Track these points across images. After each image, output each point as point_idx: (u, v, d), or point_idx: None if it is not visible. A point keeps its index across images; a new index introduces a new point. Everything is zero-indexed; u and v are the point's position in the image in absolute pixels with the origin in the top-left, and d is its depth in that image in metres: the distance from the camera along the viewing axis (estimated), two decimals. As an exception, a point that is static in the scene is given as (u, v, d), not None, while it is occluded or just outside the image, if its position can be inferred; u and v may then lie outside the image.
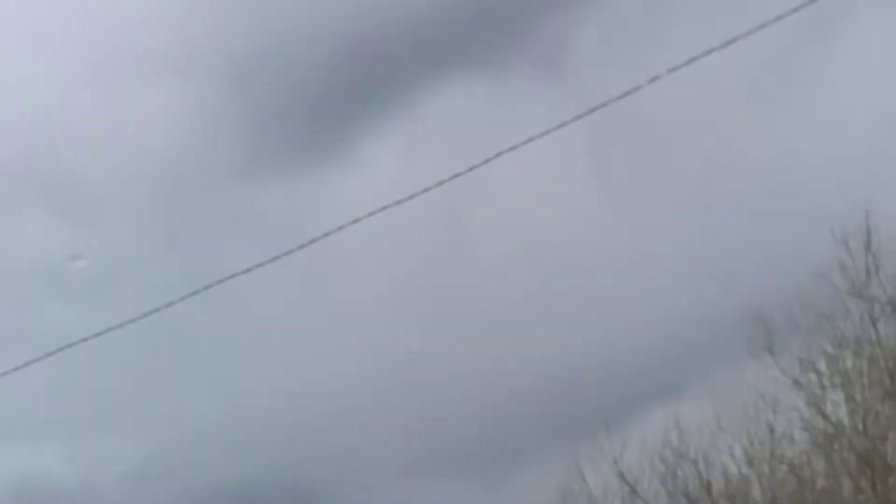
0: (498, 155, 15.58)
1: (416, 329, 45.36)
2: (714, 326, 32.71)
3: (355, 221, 16.55)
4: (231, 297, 49.31)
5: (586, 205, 45.64)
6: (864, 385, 28.45)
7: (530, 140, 15.34)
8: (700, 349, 33.87)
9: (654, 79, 14.44)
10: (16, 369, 18.09)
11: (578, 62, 48.08)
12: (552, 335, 41.75)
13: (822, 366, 28.76)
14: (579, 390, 38.33)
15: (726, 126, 41.80)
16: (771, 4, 11.70)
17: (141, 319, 17.91)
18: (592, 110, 14.97)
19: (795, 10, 11.55)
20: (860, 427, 28.41)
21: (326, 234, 16.94)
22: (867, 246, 27.35)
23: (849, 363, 28.49)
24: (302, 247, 16.90)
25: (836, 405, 28.88)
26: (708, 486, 30.99)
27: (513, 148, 15.43)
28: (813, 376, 28.87)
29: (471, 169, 15.43)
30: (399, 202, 15.94)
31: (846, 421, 28.93)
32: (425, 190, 15.71)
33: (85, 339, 18.54)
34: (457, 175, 15.63)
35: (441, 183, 15.64)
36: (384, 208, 16.04)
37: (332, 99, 51.28)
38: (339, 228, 16.74)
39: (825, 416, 28.89)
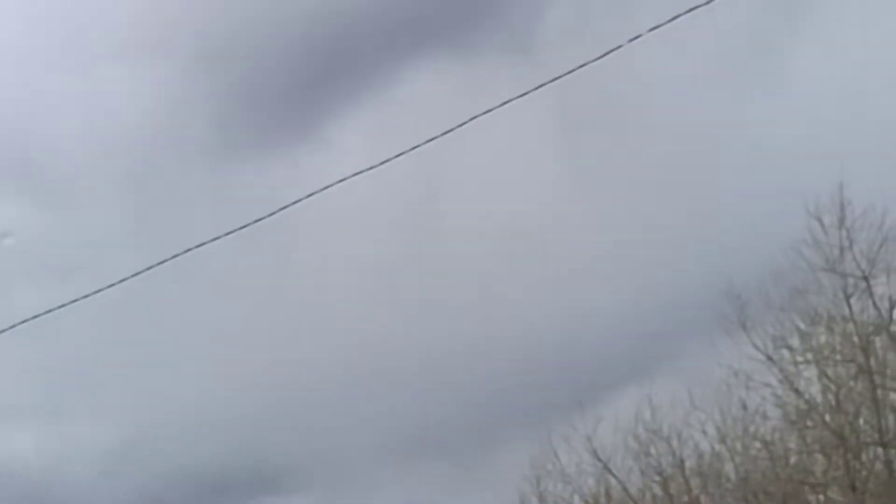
0: (474, 118, 15.30)
1: (387, 310, 45.27)
2: (687, 303, 32.70)
3: (326, 188, 16.26)
4: (202, 281, 49.30)
5: (557, 185, 45.62)
6: (836, 361, 28.41)
7: (506, 103, 15.05)
8: (673, 326, 33.86)
9: (619, 47, 14.28)
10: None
11: (548, 43, 47.96)
12: (524, 315, 41.71)
13: (795, 342, 28.71)
14: (552, 370, 38.29)
15: (697, 106, 41.83)
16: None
17: (105, 290, 17.51)
18: (562, 76, 14.72)
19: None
20: (833, 403, 28.38)
21: (296, 202, 16.61)
22: (841, 221, 27.23)
23: (822, 339, 28.44)
24: (271, 214, 16.62)
25: (810, 382, 28.84)
26: (681, 464, 30.98)
27: (488, 111, 15.13)
28: (786, 352, 28.81)
29: (446, 132, 15.14)
30: (373, 167, 15.66)
31: (819, 397, 28.91)
32: (399, 155, 15.40)
33: (50, 311, 18.14)
34: (432, 139, 15.34)
35: (416, 147, 15.35)
36: (358, 173, 15.74)
37: (302, 80, 51.07)
38: (310, 195, 16.44)
39: (798, 393, 28.84)
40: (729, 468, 30.52)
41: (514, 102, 15.54)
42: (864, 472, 28.03)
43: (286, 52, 48.47)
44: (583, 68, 14.79)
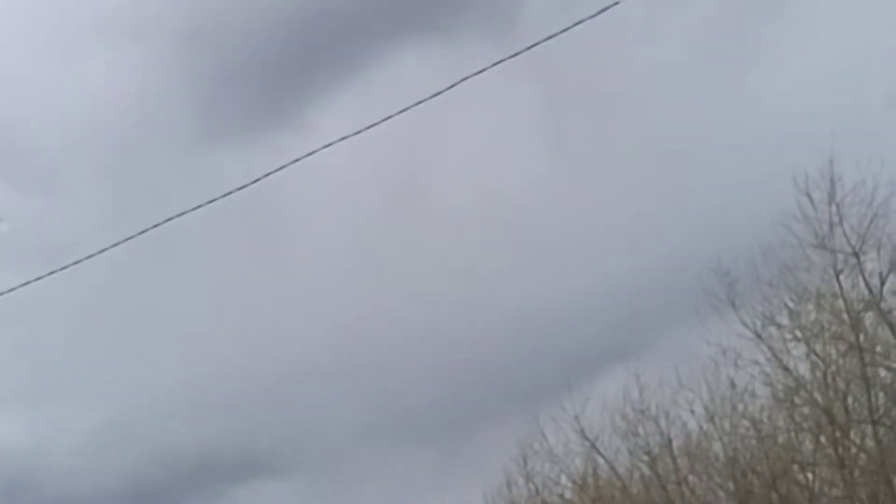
0: (453, 86, 15.00)
1: (372, 293, 45.16)
2: (675, 281, 32.45)
3: (302, 157, 15.94)
4: (186, 265, 49.07)
5: (543, 167, 45.51)
6: (826, 338, 28.13)
7: (484, 70, 14.76)
8: (661, 305, 33.64)
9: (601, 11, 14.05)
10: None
11: (531, 25, 47.72)
12: (510, 297, 41.57)
13: (784, 319, 28.42)
14: (539, 351, 38.12)
15: (682, 87, 41.73)
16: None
17: (85, 262, 17.26)
18: (541, 41, 14.42)
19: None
20: (822, 381, 28.12)
21: (269, 173, 16.28)
22: (830, 196, 26.88)
23: (811, 316, 28.15)
24: (243, 187, 16.37)
25: (799, 359, 28.58)
26: (669, 443, 30.73)
27: (468, 77, 14.83)
28: (775, 330, 28.53)
29: (434, 95, 14.80)
30: (358, 132, 15.31)
31: (808, 375, 28.65)
32: (386, 119, 15.04)
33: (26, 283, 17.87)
34: (417, 103, 14.99)
35: (402, 111, 14.98)
36: (343, 138, 15.41)
37: (284, 64, 50.82)
38: (296, 161, 16.11)
39: (787, 371, 28.58)
40: (717, 447, 30.27)
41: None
42: (853, 451, 27.81)
43: (268, 36, 48.28)
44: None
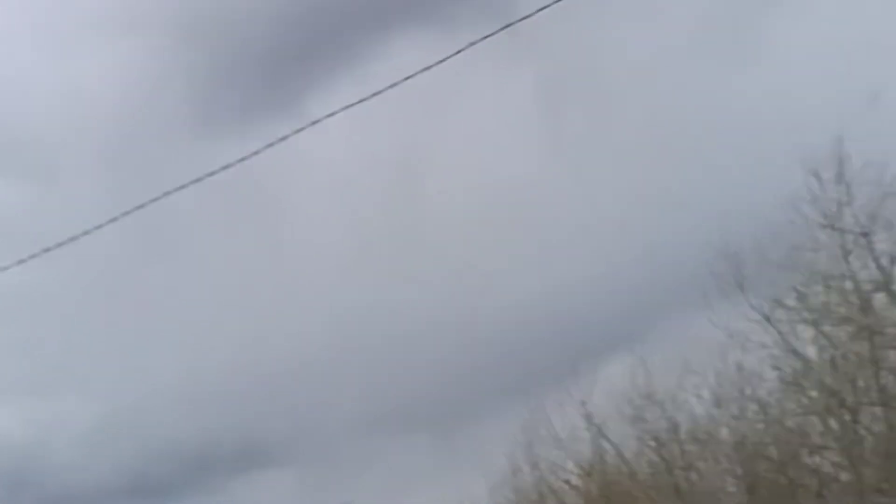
0: (441, 61, 14.68)
1: (371, 284, 44.94)
2: (682, 265, 32.10)
3: (285, 138, 15.60)
4: (186, 258, 48.80)
5: (542, 156, 45.29)
6: (835, 320, 27.84)
7: (473, 44, 14.44)
8: (667, 289, 33.32)
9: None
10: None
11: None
12: (512, 285, 41.32)
13: (793, 301, 28.12)
14: (544, 338, 37.82)
15: (681, 74, 41.51)
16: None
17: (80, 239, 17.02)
18: (531, 15, 14.12)
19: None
20: (831, 364, 27.84)
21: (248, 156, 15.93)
22: (839, 176, 26.56)
23: (820, 298, 27.85)
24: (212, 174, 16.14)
25: (807, 342, 28.29)
26: (676, 428, 30.46)
27: (458, 52, 14.50)
28: (783, 312, 28.22)
29: (433, 66, 14.49)
30: (363, 100, 15.00)
31: (816, 358, 28.37)
32: (376, 94, 14.72)
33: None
34: (406, 78, 14.65)
35: (394, 85, 14.64)
36: (331, 114, 15.06)
37: (282, 55, 50.52)
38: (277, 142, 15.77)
39: (796, 353, 28.28)
40: (725, 432, 30.00)
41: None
42: (863, 434, 27.53)
43: (266, 26, 48.00)
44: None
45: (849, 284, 27.17)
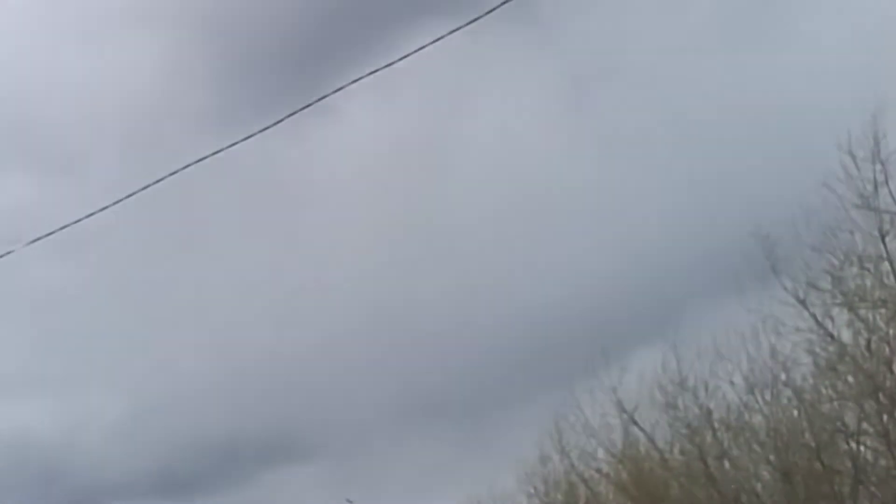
0: (439, 39, 14.21)
1: (397, 275, 44.71)
2: (714, 250, 31.62)
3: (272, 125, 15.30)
4: (210, 251, 48.65)
5: (569, 146, 44.85)
6: (870, 304, 27.28)
7: (475, 20, 14.01)
8: (699, 275, 32.85)
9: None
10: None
11: (552, 7, 47.20)
12: (540, 277, 40.97)
13: (827, 284, 27.57)
14: (572, 329, 37.44)
15: (710, 55, 41.09)
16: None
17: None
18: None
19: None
20: (866, 348, 27.29)
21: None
22: (875, 154, 25.95)
23: (855, 281, 27.30)
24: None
25: (842, 326, 27.73)
26: (708, 415, 29.95)
27: (459, 28, 14.10)
28: (817, 295, 27.67)
29: (418, 50, 14.11)
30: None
31: (852, 342, 27.81)
32: (370, 74, 14.28)
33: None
34: (400, 59, 14.24)
35: (405, 56, 14.18)
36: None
37: (303, 49, 50.34)
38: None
39: (832, 338, 27.73)
40: (758, 419, 29.47)
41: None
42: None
43: (288, 19, 47.81)
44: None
45: (885, 266, 26.61)
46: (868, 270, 26.95)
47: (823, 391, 28.32)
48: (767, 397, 29.06)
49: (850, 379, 27.64)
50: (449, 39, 13.91)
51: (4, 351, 45.76)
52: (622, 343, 33.07)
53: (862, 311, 27.23)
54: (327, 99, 13.48)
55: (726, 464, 29.55)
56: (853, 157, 26.20)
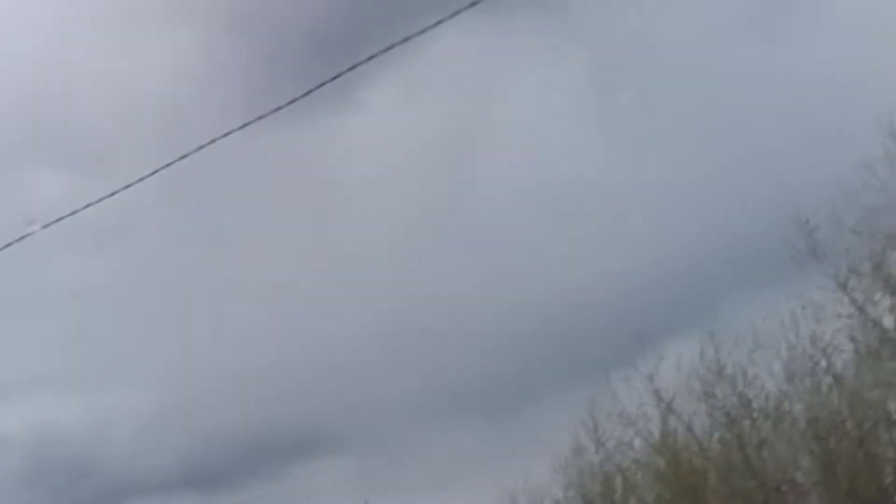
0: (438, 23, 13.89)
1: (427, 267, 44.43)
2: (752, 236, 31.03)
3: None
4: (240, 246, 48.48)
5: (597, 139, 44.40)
6: (913, 287, 26.78)
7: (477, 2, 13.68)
8: (738, 261, 32.23)
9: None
10: None
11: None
12: (572, 268, 40.54)
13: (869, 268, 27.05)
14: (607, 319, 36.92)
15: (739, 44, 40.61)
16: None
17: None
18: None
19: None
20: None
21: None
22: (917, 133, 25.52)
23: (898, 264, 26.78)
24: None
25: (885, 311, 27.21)
26: (747, 404, 29.45)
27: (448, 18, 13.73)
28: (859, 280, 27.16)
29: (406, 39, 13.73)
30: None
31: (894, 327, 27.29)
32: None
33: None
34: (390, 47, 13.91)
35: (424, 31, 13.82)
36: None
37: (332, 42, 50.05)
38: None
39: (872, 323, 27.22)
40: (798, 407, 28.95)
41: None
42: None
43: (316, 14, 47.55)
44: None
45: (928, 248, 26.12)
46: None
47: (865, 378, 27.78)
48: (807, 385, 28.56)
49: (893, 365, 27.15)
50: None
51: (34, 346, 45.74)
52: (658, 331, 32.44)
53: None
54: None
55: (766, 453, 29.01)
56: (894, 136, 25.74)
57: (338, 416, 43.60)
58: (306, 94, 15.08)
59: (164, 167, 16.07)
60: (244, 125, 15.83)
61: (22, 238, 16.56)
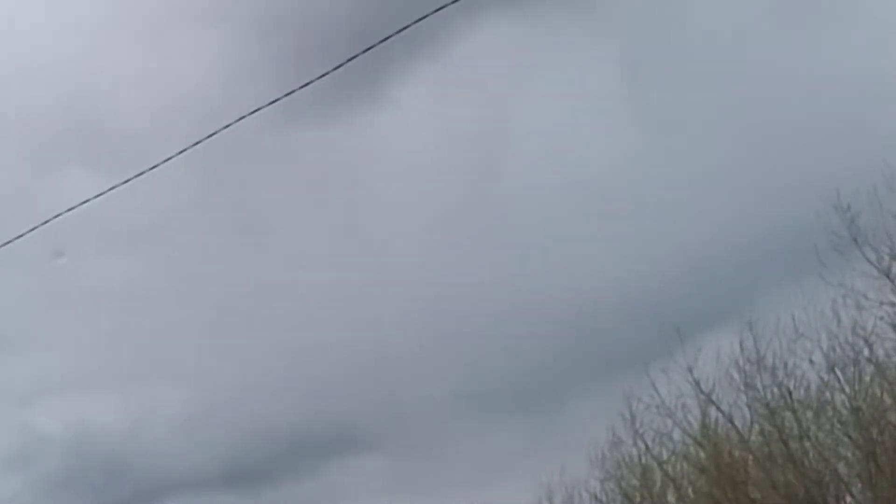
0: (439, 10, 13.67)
1: (461, 263, 44.34)
2: (792, 224, 30.64)
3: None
4: (276, 246, 48.55)
5: (628, 133, 44.08)
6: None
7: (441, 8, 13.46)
8: (777, 250, 31.83)
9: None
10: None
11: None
12: (607, 263, 40.26)
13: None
14: (644, 312, 36.54)
15: (777, 34, 40.24)
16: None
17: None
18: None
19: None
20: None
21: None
22: (961, 116, 25.07)
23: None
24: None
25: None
26: (788, 395, 29.05)
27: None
28: (902, 266, 26.72)
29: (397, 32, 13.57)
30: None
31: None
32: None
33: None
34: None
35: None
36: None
37: (361, 40, 49.94)
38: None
39: (917, 310, 26.79)
40: (840, 398, 28.53)
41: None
42: None
43: (345, 11, 47.51)
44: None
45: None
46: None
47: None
48: (849, 375, 28.12)
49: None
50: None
51: (71, 347, 46.00)
52: (697, 323, 32.11)
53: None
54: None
55: (807, 445, 28.62)
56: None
57: (373, 415, 43.56)
58: (303, 85, 14.92)
59: (189, 147, 16.06)
60: (256, 109, 15.77)
61: (21, 236, 16.55)
